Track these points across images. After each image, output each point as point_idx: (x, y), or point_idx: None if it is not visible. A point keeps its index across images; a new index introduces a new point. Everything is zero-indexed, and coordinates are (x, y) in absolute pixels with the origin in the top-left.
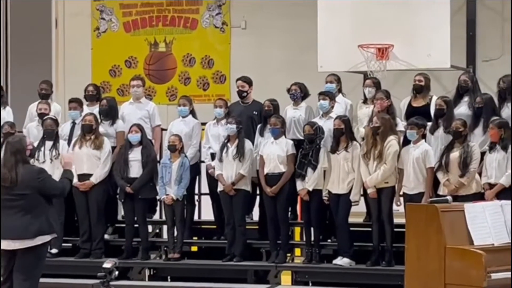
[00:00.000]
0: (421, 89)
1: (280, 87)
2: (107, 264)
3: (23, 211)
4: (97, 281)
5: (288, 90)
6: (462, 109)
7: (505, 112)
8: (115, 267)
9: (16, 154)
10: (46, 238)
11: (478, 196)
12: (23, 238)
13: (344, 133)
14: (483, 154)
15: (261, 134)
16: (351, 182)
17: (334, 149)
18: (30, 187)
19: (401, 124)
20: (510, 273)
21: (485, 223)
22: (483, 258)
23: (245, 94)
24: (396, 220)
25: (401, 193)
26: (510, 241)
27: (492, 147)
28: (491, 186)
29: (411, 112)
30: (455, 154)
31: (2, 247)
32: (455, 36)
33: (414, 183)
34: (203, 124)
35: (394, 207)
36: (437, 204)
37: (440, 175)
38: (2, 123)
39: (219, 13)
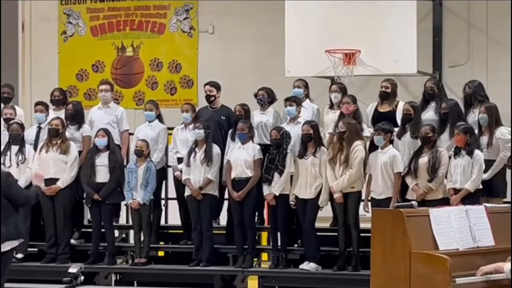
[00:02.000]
0: (387, 96)
1: (247, 91)
2: (73, 269)
3: None
4: (63, 286)
5: (256, 95)
6: (429, 115)
7: (471, 118)
8: (81, 272)
9: None
10: (14, 243)
11: (446, 201)
12: None
13: (312, 138)
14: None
15: (233, 139)
16: (318, 187)
17: (302, 154)
18: None
19: (367, 130)
20: (475, 277)
21: (450, 228)
22: (447, 263)
23: (213, 98)
24: (363, 225)
25: (369, 198)
26: (474, 246)
27: (457, 152)
28: (456, 191)
29: (377, 117)
30: (423, 159)
31: None
32: (421, 42)
33: (382, 188)
34: (171, 129)
35: (361, 211)
36: (403, 209)
37: (408, 180)
38: None
39: (186, 17)
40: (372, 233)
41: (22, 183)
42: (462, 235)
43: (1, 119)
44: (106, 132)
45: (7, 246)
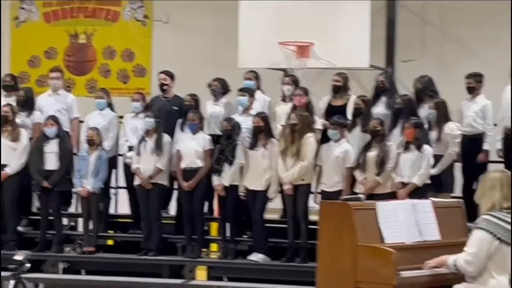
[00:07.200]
0: (338, 89)
1: (201, 82)
2: (19, 256)
3: None
4: (9, 273)
5: (209, 86)
6: (380, 109)
7: (421, 113)
8: (27, 260)
9: None
10: None
11: (394, 195)
12: None
13: (263, 130)
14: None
15: (182, 129)
16: (268, 179)
17: (252, 146)
18: None
19: (319, 122)
20: (420, 271)
21: (397, 222)
22: (393, 256)
23: (166, 87)
24: (312, 217)
25: (319, 190)
26: (420, 240)
27: (406, 147)
28: (404, 185)
29: (330, 111)
30: (372, 153)
31: None
32: (375, 36)
33: (334, 181)
34: (122, 117)
35: (310, 204)
36: (350, 202)
37: (357, 174)
38: None
39: (141, 6)
40: (319, 225)
41: None
42: (408, 229)
43: None
44: (55, 119)
45: None
